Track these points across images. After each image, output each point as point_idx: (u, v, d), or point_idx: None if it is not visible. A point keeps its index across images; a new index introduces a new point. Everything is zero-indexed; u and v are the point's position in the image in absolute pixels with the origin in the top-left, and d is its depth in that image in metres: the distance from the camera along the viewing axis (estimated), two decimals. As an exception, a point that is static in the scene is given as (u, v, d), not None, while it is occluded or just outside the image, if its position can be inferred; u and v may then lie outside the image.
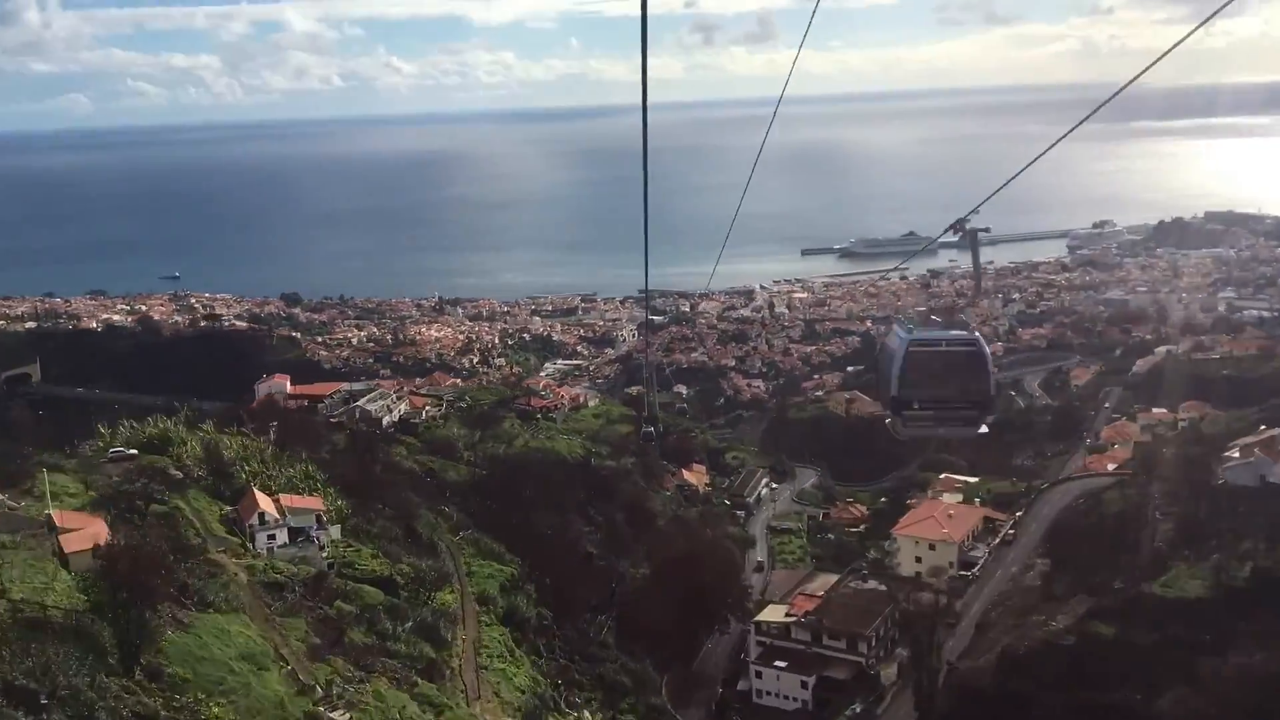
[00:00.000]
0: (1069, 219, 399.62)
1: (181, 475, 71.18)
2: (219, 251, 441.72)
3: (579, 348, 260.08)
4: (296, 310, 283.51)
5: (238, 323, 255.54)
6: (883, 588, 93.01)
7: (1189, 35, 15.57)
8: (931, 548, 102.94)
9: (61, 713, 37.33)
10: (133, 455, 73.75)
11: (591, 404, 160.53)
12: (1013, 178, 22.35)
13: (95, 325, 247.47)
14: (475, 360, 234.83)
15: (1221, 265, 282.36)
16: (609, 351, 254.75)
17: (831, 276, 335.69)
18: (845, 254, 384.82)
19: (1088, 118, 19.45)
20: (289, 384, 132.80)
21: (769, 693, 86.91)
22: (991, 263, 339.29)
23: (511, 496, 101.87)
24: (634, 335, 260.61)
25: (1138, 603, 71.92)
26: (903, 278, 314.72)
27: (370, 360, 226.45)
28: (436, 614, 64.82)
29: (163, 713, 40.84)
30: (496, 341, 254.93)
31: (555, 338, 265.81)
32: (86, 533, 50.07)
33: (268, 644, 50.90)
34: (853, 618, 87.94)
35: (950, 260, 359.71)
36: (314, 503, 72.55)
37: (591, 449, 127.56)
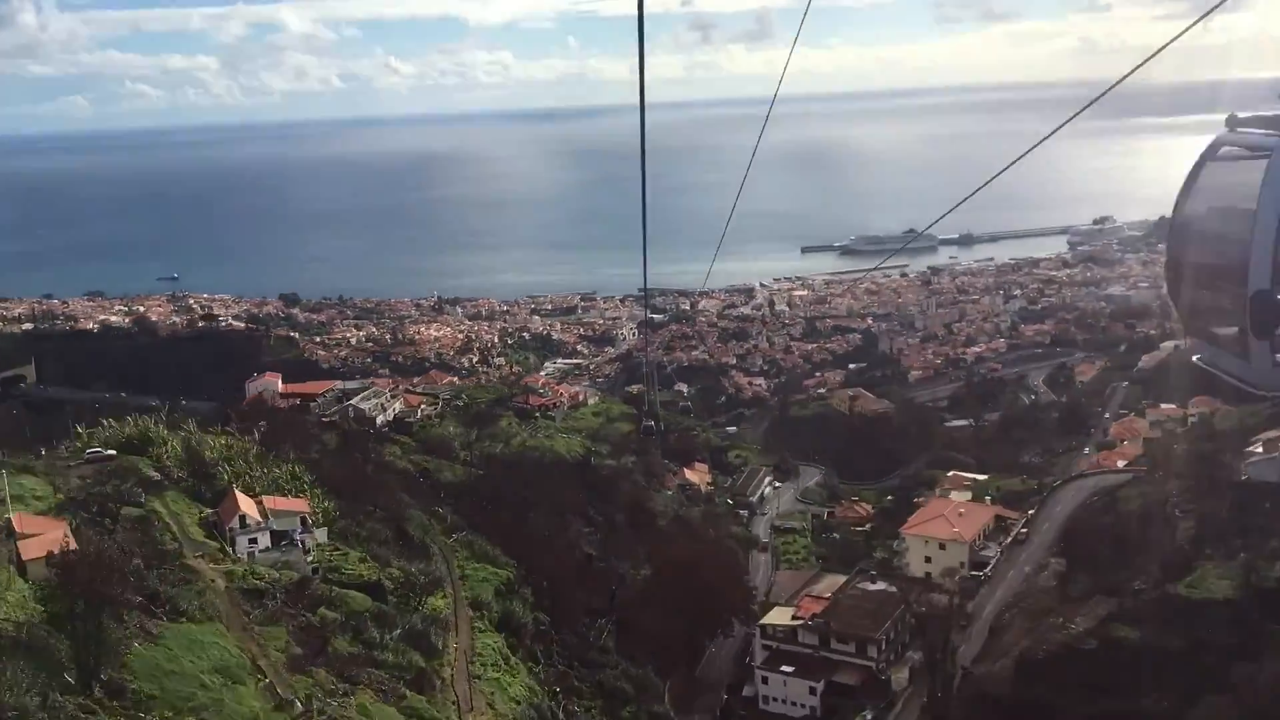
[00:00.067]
0: (1069, 215, 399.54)
1: (160, 476, 68.08)
2: (218, 253, 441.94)
3: (579, 346, 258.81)
4: (295, 310, 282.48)
5: (235, 323, 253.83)
6: (892, 589, 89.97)
7: (1182, 34, 15.77)
8: (942, 547, 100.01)
9: (9, 735, 34.24)
10: (110, 456, 70.62)
11: (591, 402, 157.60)
12: (994, 176, 22.06)
13: (92, 326, 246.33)
14: (475, 360, 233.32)
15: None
16: (609, 350, 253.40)
17: (832, 274, 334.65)
18: (845, 251, 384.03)
19: (1074, 117, 19.25)
20: (280, 383, 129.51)
21: (775, 699, 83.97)
22: (992, 259, 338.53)
23: (508, 497, 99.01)
24: (634, 333, 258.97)
25: (1162, 604, 68.56)
26: (903, 275, 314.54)
27: (369, 360, 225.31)
28: (427, 621, 61.53)
29: (124, 732, 37.76)
30: (496, 341, 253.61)
31: (555, 336, 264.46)
32: (47, 538, 46.79)
33: (244, 655, 47.80)
34: (862, 620, 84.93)
35: (951, 257, 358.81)
36: (299, 504, 69.47)
37: (591, 448, 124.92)
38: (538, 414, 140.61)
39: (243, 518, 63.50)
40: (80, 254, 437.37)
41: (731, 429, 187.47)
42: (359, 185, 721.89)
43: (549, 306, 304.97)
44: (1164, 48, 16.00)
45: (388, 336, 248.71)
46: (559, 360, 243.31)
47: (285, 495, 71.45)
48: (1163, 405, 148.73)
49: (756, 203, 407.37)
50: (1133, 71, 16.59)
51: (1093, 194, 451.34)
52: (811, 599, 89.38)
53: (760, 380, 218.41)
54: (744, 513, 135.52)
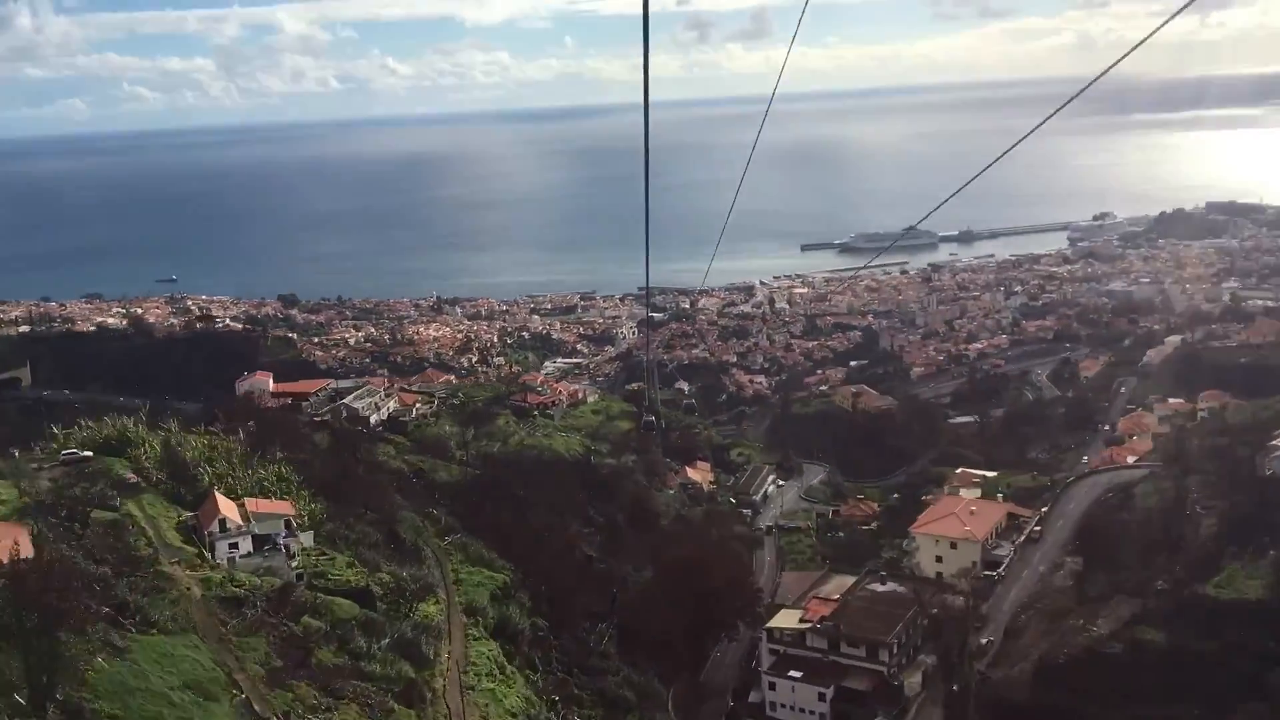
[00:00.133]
0: (1069, 211, 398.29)
1: (137, 478, 64.90)
2: (216, 254, 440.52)
3: (579, 345, 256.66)
4: (294, 311, 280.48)
5: (232, 324, 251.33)
6: (903, 590, 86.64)
7: (1164, 24, 16.14)
8: (953, 546, 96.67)
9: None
10: (87, 457, 67.52)
11: (591, 400, 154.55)
12: (979, 173, 22.53)
13: (88, 328, 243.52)
14: (474, 359, 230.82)
15: (1225, 256, 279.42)
16: (609, 349, 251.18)
17: (832, 271, 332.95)
18: (845, 249, 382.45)
19: (1055, 113, 19.25)
20: (271, 382, 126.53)
21: (783, 705, 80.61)
22: (992, 256, 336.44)
23: (505, 497, 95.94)
24: (634, 332, 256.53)
25: (1189, 605, 65.55)
26: (903, 272, 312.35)
27: (367, 360, 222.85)
28: (418, 628, 58.40)
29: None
30: (495, 340, 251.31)
31: (555, 336, 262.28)
32: (2, 545, 43.61)
33: (219, 669, 44.77)
34: (872, 623, 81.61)
35: (951, 254, 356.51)
36: (284, 507, 66.33)
37: (591, 446, 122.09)
38: (536, 412, 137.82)
39: (223, 521, 60.40)
40: (78, 256, 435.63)
41: (733, 427, 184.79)
42: (358, 186, 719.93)
43: (548, 306, 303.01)
44: (1143, 40, 16.34)
45: (386, 337, 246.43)
46: (559, 359, 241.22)
47: (271, 497, 68.42)
48: (1170, 399, 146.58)
49: (756, 201, 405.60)
50: (1117, 62, 16.85)
51: (1091, 190, 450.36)
52: (819, 601, 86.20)
53: (761, 378, 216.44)
54: (747, 512, 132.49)
